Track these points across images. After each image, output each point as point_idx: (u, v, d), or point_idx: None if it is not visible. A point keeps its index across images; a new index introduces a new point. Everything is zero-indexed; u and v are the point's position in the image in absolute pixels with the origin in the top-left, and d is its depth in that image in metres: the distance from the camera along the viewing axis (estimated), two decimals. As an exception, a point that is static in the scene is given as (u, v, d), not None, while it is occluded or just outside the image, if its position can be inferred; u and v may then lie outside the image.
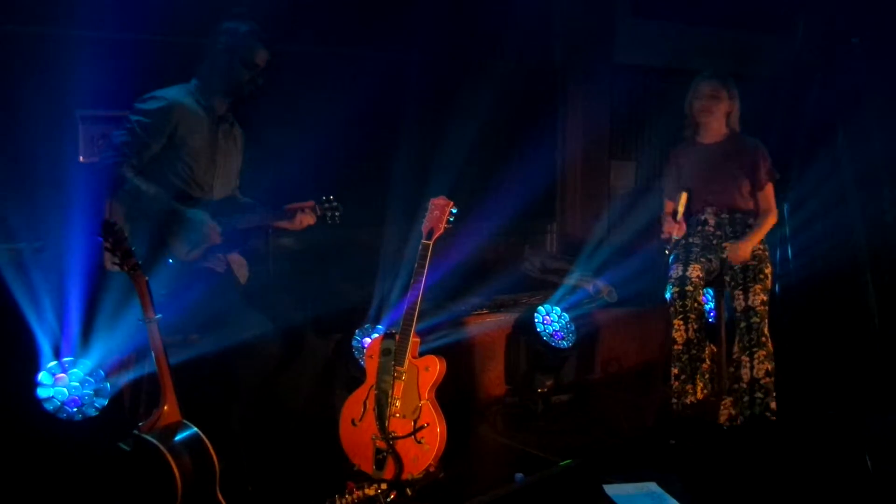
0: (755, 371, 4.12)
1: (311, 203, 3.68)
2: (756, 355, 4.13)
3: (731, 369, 4.20)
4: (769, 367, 4.13)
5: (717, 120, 4.41)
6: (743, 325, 4.20)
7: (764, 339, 4.17)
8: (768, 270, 4.29)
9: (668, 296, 4.28)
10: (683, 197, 4.34)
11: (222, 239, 3.48)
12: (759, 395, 4.12)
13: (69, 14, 4.11)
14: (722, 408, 4.16)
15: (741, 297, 4.23)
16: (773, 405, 4.14)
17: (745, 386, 4.12)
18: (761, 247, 4.33)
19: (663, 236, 4.38)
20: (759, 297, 4.18)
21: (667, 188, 4.61)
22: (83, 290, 3.46)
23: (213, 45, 3.58)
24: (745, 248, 4.22)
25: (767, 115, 4.97)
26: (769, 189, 4.39)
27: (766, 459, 3.87)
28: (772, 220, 4.37)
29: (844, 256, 5.50)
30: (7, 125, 3.96)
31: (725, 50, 6.54)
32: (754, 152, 4.37)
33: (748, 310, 4.19)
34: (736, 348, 4.22)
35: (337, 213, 3.73)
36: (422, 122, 5.30)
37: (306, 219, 3.67)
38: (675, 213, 4.37)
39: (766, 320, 4.19)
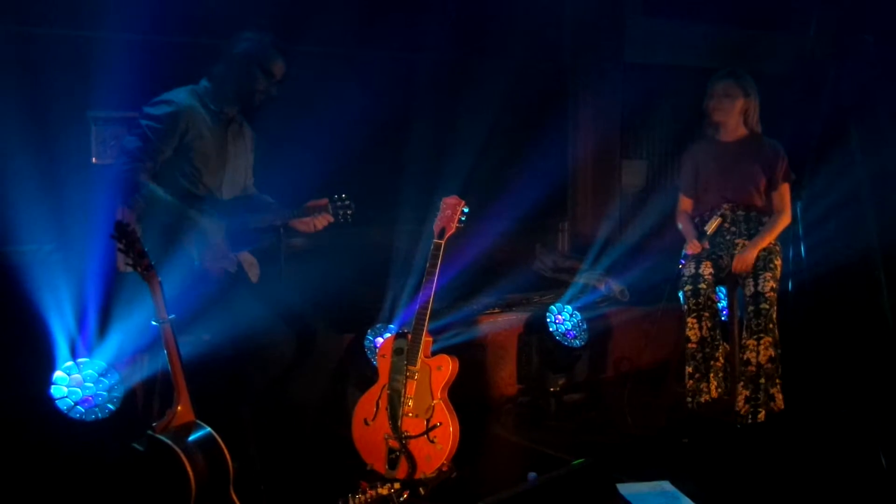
0: (760, 356, 4.10)
1: (324, 201, 3.69)
2: (762, 341, 4.11)
3: (741, 355, 4.18)
4: (773, 354, 4.11)
5: (732, 118, 4.41)
6: (751, 309, 4.17)
7: (772, 325, 4.14)
8: (778, 262, 4.28)
9: (680, 294, 4.28)
10: (717, 221, 4.37)
11: (234, 226, 3.49)
12: (762, 380, 4.10)
13: (80, 16, 4.13)
14: (738, 397, 4.13)
15: (751, 283, 4.21)
16: (778, 396, 4.11)
17: (753, 370, 4.11)
18: (772, 242, 4.32)
19: (687, 251, 4.38)
20: (768, 284, 4.16)
21: (683, 183, 4.61)
22: (97, 290, 3.47)
23: (232, 49, 3.58)
24: (751, 254, 4.23)
25: (779, 113, 4.95)
26: (784, 189, 4.39)
27: (779, 458, 3.86)
28: (785, 220, 4.37)
29: (857, 254, 5.47)
30: (20, 127, 3.97)
31: (737, 48, 6.51)
32: (772, 152, 4.39)
33: (757, 295, 4.16)
34: (744, 333, 4.21)
35: (349, 212, 3.71)
36: (433, 121, 5.30)
37: (321, 220, 3.67)
38: (702, 233, 4.38)
39: (775, 308, 4.16)
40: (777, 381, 4.12)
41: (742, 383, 4.14)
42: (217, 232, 3.46)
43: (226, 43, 3.61)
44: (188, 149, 3.49)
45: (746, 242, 4.32)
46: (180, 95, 3.53)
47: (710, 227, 4.36)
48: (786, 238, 4.79)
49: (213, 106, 3.59)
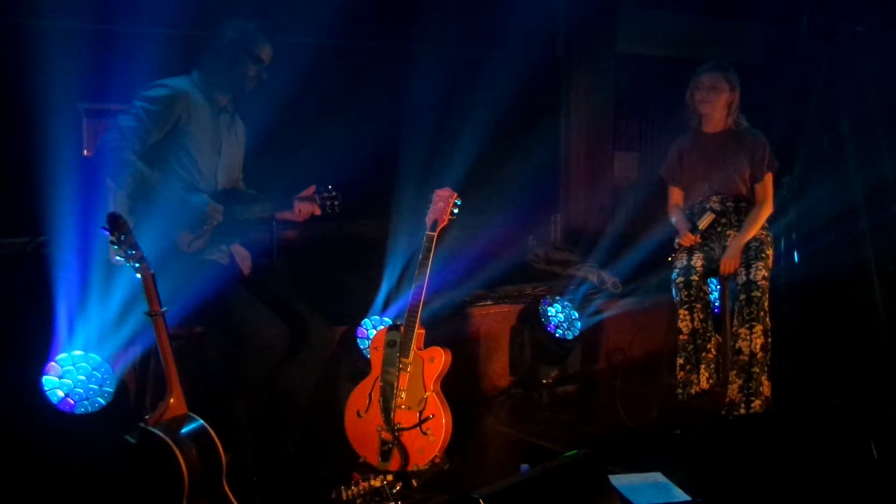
0: (753, 345, 4.11)
1: (311, 189, 3.68)
2: (754, 329, 4.11)
3: (732, 342, 4.19)
4: (763, 342, 4.12)
5: (718, 111, 4.40)
6: (743, 297, 4.17)
7: (763, 313, 4.14)
8: (769, 251, 4.28)
9: (672, 286, 4.28)
10: (710, 217, 4.36)
11: (223, 218, 3.47)
12: (755, 369, 4.11)
13: (71, 7, 4.11)
14: (731, 386, 4.14)
15: (743, 272, 4.21)
16: (765, 383, 4.13)
17: (745, 359, 4.11)
18: (763, 232, 4.33)
19: (678, 245, 4.37)
20: (760, 273, 4.16)
21: (670, 173, 4.60)
22: (88, 283, 3.46)
23: (219, 39, 3.57)
24: (736, 251, 4.23)
25: (772, 105, 4.96)
26: (768, 179, 4.38)
27: (771, 449, 3.86)
28: (767, 211, 4.36)
29: (849, 246, 5.48)
30: (11, 119, 3.96)
31: (729, 39, 6.52)
32: (755, 142, 4.37)
33: (749, 283, 4.16)
34: (735, 321, 4.21)
35: (336, 203, 3.71)
36: (426, 114, 5.30)
37: (308, 208, 3.66)
38: (694, 227, 4.37)
39: (767, 296, 4.17)
40: (765, 368, 4.13)
41: (735, 372, 4.14)
42: (215, 211, 3.45)
43: (212, 33, 3.60)
44: (183, 134, 3.48)
45: (737, 234, 4.32)
46: (176, 81, 3.53)
47: (703, 223, 4.35)
48: (777, 231, 4.81)
49: (206, 93, 3.59)
